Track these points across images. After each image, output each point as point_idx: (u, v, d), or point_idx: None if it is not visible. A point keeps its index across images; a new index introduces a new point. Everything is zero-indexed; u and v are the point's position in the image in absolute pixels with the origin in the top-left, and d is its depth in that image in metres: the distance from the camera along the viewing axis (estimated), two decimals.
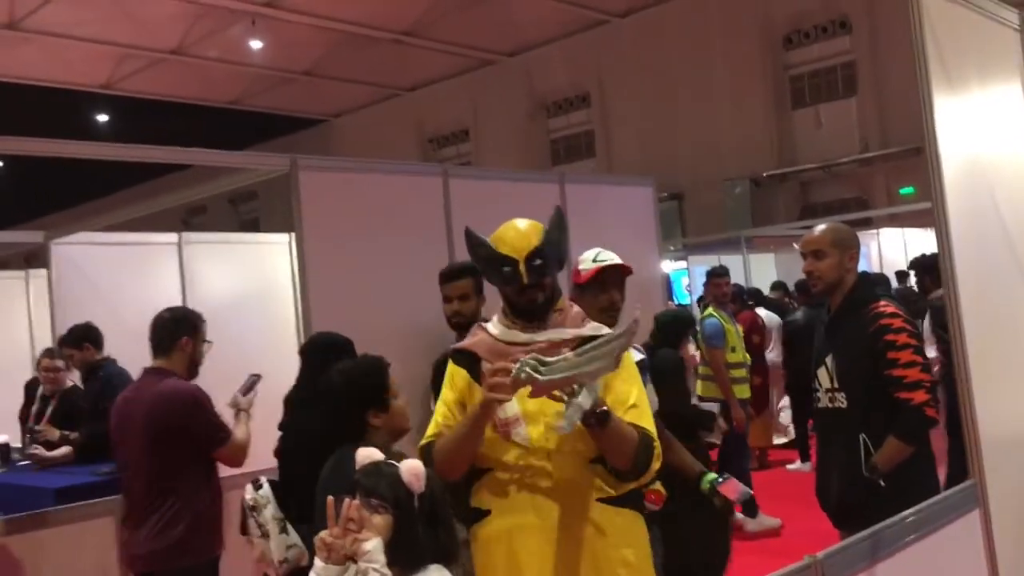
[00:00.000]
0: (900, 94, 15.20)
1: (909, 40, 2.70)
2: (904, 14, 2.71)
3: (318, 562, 2.21)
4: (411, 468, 2.29)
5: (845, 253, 3.37)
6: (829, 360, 3.38)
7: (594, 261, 3.14)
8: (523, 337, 2.51)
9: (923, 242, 12.05)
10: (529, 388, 2.26)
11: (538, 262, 2.51)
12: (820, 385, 3.43)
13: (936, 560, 2.46)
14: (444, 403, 2.59)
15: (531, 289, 2.50)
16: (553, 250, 2.56)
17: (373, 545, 2.14)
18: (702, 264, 13.52)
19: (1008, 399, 2.91)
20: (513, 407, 2.43)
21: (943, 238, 2.66)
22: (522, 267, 2.49)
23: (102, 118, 24.10)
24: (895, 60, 15.15)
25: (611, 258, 3.15)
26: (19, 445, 5.97)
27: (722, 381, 6.89)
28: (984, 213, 2.98)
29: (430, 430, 2.56)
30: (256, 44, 19.41)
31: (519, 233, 2.54)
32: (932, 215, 2.68)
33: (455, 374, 2.61)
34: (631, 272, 3.15)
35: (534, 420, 2.47)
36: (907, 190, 15.80)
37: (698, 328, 7.13)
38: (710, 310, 7.24)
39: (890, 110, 16.07)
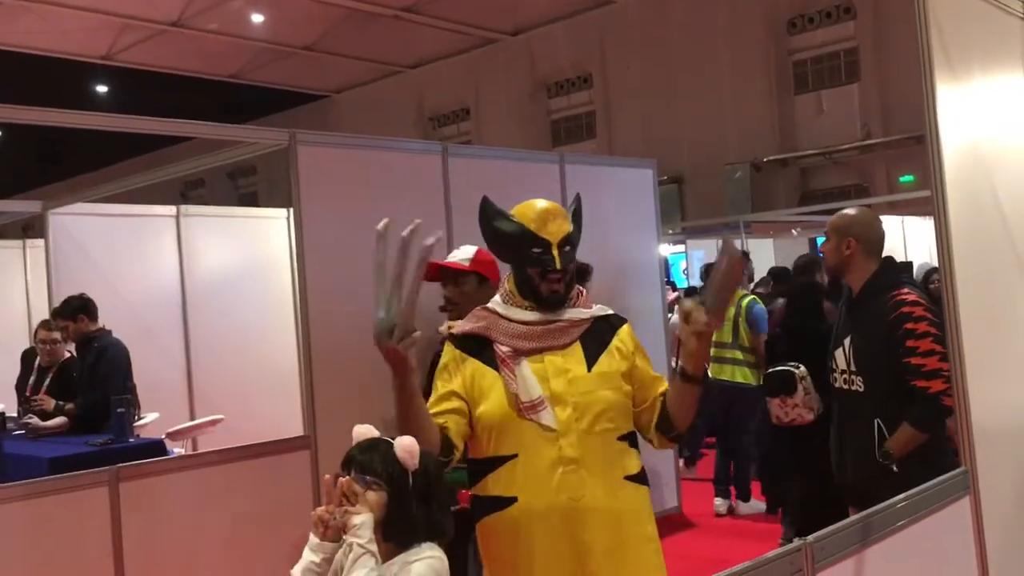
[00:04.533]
0: (902, 81, 15.15)
1: (912, 26, 2.69)
2: (908, 0, 2.69)
3: (313, 538, 2.22)
4: (405, 445, 2.29)
5: (843, 239, 3.40)
6: (847, 342, 3.40)
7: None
8: (535, 316, 2.49)
9: (922, 230, 12.04)
10: (552, 369, 2.40)
11: (568, 248, 2.51)
12: (836, 366, 3.45)
13: (926, 545, 2.48)
14: (435, 391, 2.51)
15: (558, 276, 2.48)
16: (578, 239, 2.57)
17: (361, 520, 2.15)
18: (701, 248, 13.53)
19: (1001, 387, 2.92)
20: (537, 389, 2.40)
21: (941, 226, 2.66)
22: (555, 251, 2.47)
23: (101, 89, 23.98)
24: (898, 47, 15.10)
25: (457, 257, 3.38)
26: (15, 415, 5.99)
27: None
28: (983, 202, 2.97)
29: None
30: (257, 18, 19.30)
31: (550, 214, 2.51)
32: (931, 203, 2.68)
33: (457, 361, 2.50)
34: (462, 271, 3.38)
35: (561, 401, 2.42)
36: (907, 178, 15.78)
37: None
38: (753, 296, 7.14)
39: (892, 97, 16.03)
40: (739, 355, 6.91)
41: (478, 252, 3.41)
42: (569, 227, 2.52)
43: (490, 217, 2.56)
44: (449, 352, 2.52)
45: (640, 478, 2.53)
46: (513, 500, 2.43)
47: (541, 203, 2.54)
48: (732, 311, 7.02)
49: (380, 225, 2.08)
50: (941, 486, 2.55)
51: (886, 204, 13.84)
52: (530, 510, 2.41)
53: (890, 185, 16.19)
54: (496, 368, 2.45)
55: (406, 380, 2.26)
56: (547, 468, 2.40)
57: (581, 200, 2.67)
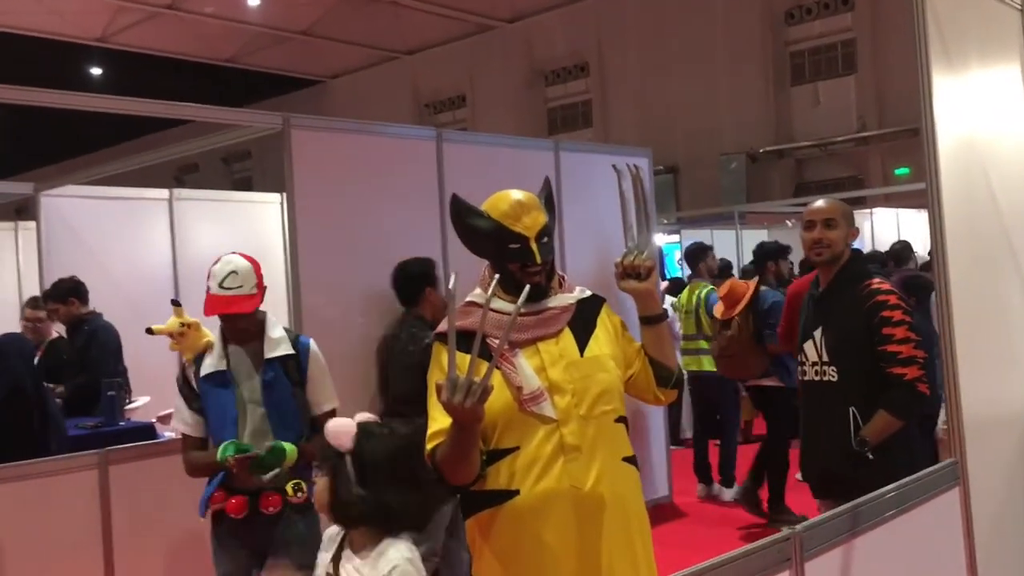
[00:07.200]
0: (899, 73, 15.15)
1: (910, 19, 2.68)
2: None
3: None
4: (332, 427, 2.31)
5: (850, 227, 3.44)
6: (818, 334, 3.41)
7: (220, 287, 3.49)
8: (529, 307, 2.44)
9: (916, 223, 12.05)
10: (548, 357, 2.40)
11: (546, 240, 2.47)
12: (807, 358, 3.46)
13: (914, 535, 2.48)
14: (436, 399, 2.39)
15: (538, 269, 2.44)
16: (554, 227, 2.53)
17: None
18: (695, 239, 13.52)
19: (992, 378, 2.93)
20: (535, 380, 2.38)
21: (936, 219, 2.66)
22: (533, 245, 2.44)
23: (96, 71, 23.86)
24: (895, 39, 15.08)
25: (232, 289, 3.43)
26: None
27: None
28: (978, 194, 2.97)
29: (431, 428, 2.41)
30: (254, 1, 19.21)
31: (524, 207, 2.46)
32: (926, 196, 2.68)
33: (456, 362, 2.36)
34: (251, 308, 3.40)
35: (559, 390, 2.40)
36: (902, 170, 15.80)
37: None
38: (711, 286, 7.16)
39: (889, 89, 16.03)
40: (704, 344, 7.02)
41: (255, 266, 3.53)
42: (544, 218, 2.48)
43: (463, 215, 2.51)
44: (447, 353, 2.29)
45: (633, 460, 2.53)
46: (515, 493, 2.39)
47: (514, 195, 2.49)
48: (692, 303, 7.19)
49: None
50: (931, 477, 2.56)
51: (881, 196, 13.86)
52: (534, 502, 2.38)
53: (885, 177, 16.21)
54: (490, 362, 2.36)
55: (475, 430, 2.27)
56: (549, 458, 2.37)
57: (550, 184, 2.64)
